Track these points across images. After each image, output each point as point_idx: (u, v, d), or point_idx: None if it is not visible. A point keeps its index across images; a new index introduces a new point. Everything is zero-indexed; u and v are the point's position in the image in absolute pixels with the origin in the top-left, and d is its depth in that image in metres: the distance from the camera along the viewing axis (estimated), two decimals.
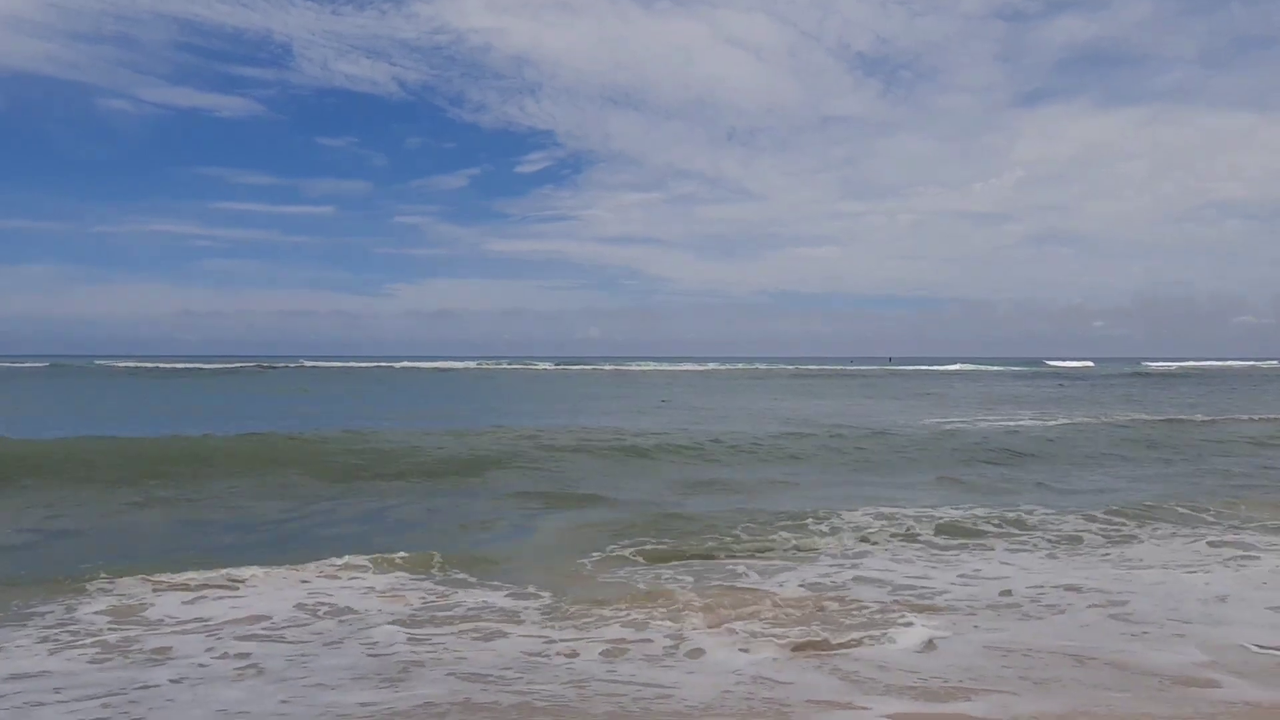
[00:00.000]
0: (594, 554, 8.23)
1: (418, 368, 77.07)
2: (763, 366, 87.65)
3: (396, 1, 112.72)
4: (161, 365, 75.20)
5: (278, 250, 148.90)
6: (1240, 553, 8.20)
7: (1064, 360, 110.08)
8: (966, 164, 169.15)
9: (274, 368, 73.31)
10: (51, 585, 7.16)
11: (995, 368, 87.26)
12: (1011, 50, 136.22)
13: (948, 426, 21.94)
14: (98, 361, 79.54)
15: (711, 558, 8.08)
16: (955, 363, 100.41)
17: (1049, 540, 8.80)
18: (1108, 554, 8.20)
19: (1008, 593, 6.71)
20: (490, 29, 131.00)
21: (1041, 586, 6.90)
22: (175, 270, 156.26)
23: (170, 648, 5.79)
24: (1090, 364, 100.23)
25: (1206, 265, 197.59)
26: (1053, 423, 23.06)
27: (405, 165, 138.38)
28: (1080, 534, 9.08)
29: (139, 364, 77.17)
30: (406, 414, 25.72)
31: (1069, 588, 6.85)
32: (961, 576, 7.29)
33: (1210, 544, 8.58)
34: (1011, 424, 22.57)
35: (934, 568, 7.69)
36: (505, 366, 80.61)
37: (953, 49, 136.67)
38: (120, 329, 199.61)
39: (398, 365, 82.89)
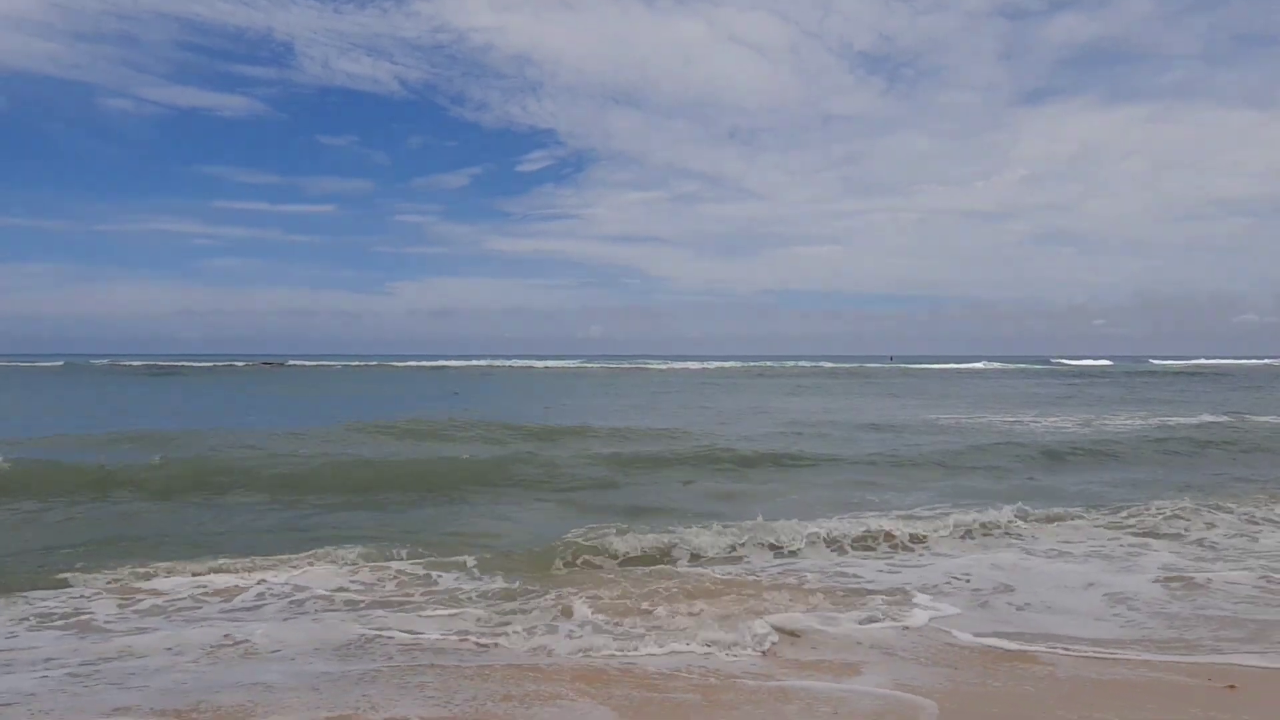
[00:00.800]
0: (573, 548, 8.19)
1: (421, 367, 76.86)
2: (772, 365, 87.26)
3: (398, 0, 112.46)
4: (159, 363, 75.02)
5: (279, 249, 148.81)
6: (1140, 549, 8.58)
7: (1071, 359, 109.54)
8: (969, 162, 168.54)
9: (284, 366, 73.09)
10: (36, 575, 7.32)
11: (1020, 366, 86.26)
12: (1013, 48, 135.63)
13: (982, 426, 21.71)
14: (94, 360, 79.21)
15: (674, 559, 8.09)
16: (958, 361, 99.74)
17: (994, 535, 9.16)
18: (1029, 548, 8.68)
19: (924, 581, 7.33)
20: (491, 28, 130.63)
21: (952, 575, 7.53)
22: (177, 269, 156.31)
23: (146, 628, 5.99)
24: (1109, 362, 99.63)
25: (1208, 263, 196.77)
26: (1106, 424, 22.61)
27: (407, 164, 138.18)
28: (1024, 529, 9.39)
29: (146, 362, 76.96)
30: (410, 414, 25.64)
31: (973, 576, 7.50)
32: (890, 567, 7.86)
33: (1131, 536, 9.10)
34: (1054, 424, 22.07)
35: (871, 562, 8.08)
36: (517, 365, 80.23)
37: (955, 47, 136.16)
38: (121, 327, 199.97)
39: (399, 364, 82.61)
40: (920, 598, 6.74)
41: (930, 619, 6.14)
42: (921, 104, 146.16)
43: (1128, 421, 22.83)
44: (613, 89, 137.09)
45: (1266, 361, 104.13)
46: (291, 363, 79.76)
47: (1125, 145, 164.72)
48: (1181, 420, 22.79)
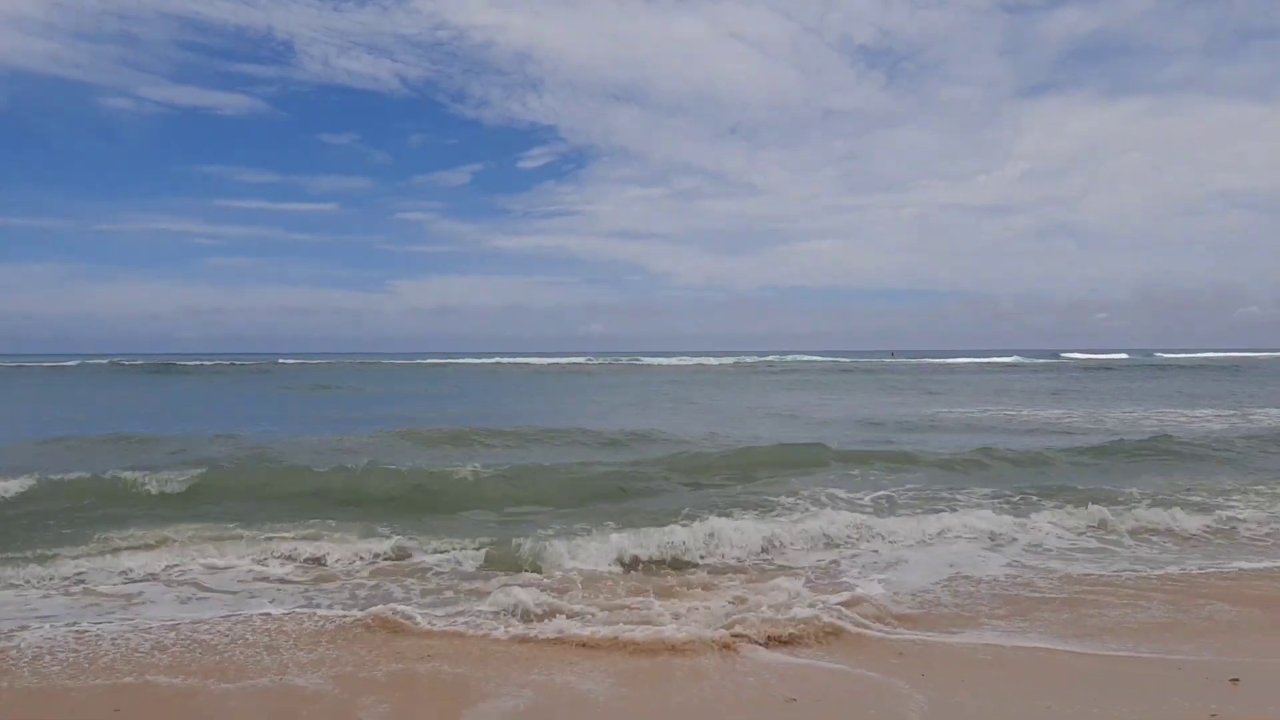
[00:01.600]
0: (561, 534, 8.45)
1: (427, 365, 76.25)
2: (775, 360, 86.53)
3: None
4: (160, 362, 74.31)
5: (280, 248, 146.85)
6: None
7: (1079, 353, 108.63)
8: (969, 157, 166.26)
9: (277, 364, 72.40)
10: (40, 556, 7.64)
11: (1045, 362, 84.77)
12: (1014, 43, 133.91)
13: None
14: (97, 360, 78.50)
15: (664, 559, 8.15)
16: (958, 356, 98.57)
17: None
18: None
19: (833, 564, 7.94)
20: (491, 25, 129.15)
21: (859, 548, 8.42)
22: (177, 268, 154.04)
23: (142, 593, 6.71)
24: (1125, 356, 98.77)
25: (1210, 257, 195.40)
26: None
27: (408, 162, 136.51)
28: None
29: (149, 361, 76.30)
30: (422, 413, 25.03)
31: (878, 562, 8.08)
32: (805, 537, 8.64)
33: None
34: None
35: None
36: (518, 363, 79.56)
37: (955, 42, 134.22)
38: (123, 326, 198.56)
39: (404, 362, 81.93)
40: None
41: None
42: (922, 99, 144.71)
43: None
44: (613, 86, 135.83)
45: (1276, 354, 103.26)
46: (288, 361, 79.04)
47: (1126, 139, 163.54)
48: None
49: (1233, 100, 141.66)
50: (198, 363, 73.22)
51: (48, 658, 5.15)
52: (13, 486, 10.58)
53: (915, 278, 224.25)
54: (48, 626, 5.76)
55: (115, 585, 6.92)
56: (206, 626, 5.80)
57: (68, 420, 22.41)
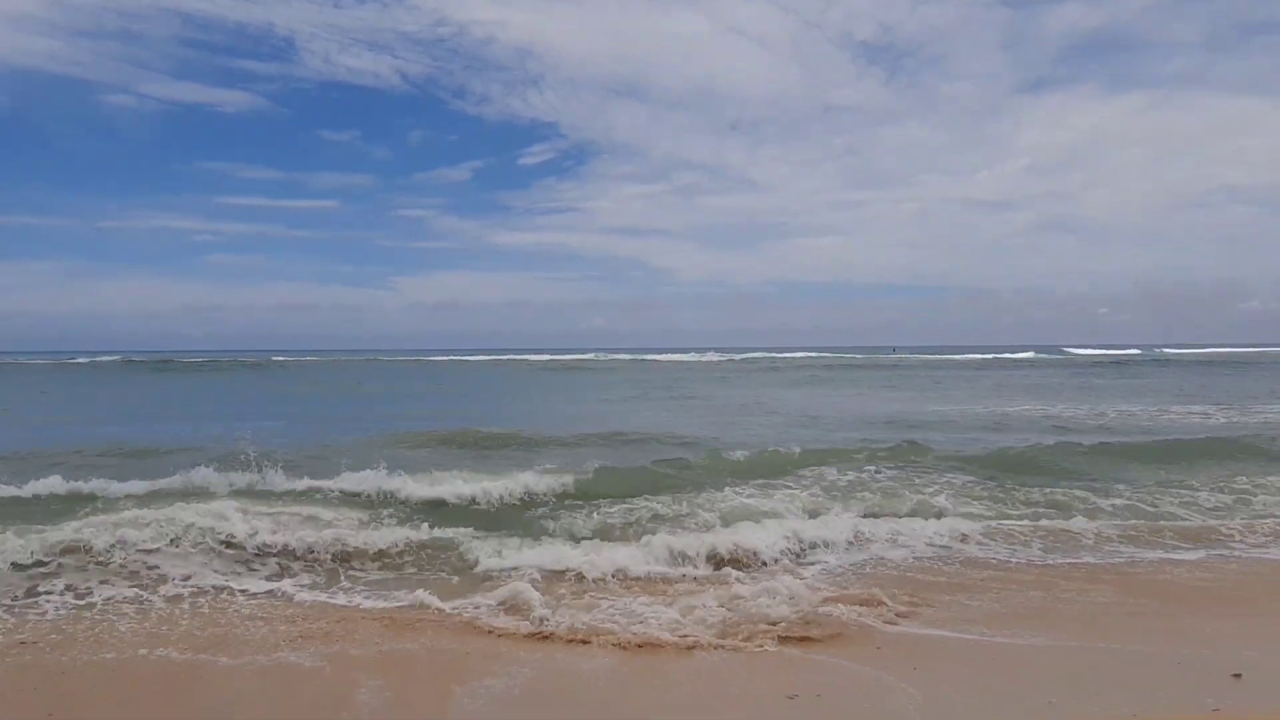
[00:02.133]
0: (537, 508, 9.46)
1: (434, 361, 76.07)
2: (782, 357, 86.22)
3: None
4: (158, 360, 74.15)
5: (281, 244, 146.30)
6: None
7: (1085, 348, 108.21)
8: (970, 152, 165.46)
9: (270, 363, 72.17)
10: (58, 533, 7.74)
11: (1057, 357, 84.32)
12: (1015, 37, 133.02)
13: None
14: (98, 358, 78.37)
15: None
16: (965, 352, 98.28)
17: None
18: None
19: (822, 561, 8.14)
20: (492, 21, 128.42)
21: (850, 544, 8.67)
22: (178, 265, 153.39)
23: (155, 565, 7.05)
24: (1137, 351, 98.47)
25: (1212, 251, 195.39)
26: None
27: (408, 158, 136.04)
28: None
29: (153, 359, 76.13)
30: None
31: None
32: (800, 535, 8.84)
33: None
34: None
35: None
36: (518, 359, 79.28)
37: (956, 37, 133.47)
38: (123, 324, 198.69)
39: (408, 359, 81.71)
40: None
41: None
42: (923, 94, 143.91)
43: None
44: (614, 81, 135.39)
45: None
46: (280, 358, 78.81)
47: (1128, 134, 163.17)
48: None
49: (1234, 95, 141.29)
50: (201, 359, 73.14)
51: (67, 628, 5.39)
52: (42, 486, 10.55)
53: (916, 273, 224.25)
54: (60, 600, 5.98)
55: (129, 555, 7.18)
56: (208, 602, 6.02)
57: (91, 419, 22.17)
